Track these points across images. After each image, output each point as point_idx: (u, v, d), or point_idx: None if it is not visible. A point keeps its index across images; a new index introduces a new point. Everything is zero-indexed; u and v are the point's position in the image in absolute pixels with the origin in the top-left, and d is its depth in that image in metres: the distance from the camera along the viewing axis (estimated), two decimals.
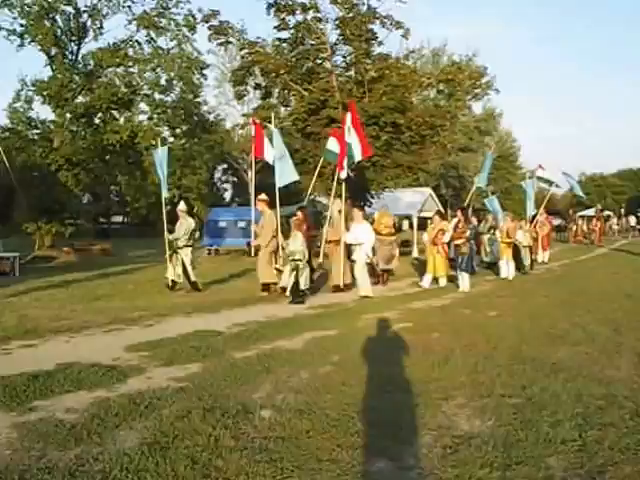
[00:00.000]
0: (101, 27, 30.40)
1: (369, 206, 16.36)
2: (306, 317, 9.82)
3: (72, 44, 30.45)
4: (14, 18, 29.04)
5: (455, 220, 14.36)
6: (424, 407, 5.04)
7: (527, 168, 45.75)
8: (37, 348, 7.52)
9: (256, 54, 15.25)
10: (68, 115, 29.42)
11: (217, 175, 65.35)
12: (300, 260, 11.29)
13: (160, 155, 14.83)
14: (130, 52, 30.73)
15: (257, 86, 16.83)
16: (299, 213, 12.44)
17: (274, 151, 13.54)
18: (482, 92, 17.13)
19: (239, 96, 17.27)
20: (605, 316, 9.61)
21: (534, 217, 21.19)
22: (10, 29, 29.06)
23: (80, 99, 29.92)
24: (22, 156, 31.15)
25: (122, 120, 31.25)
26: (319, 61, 16.12)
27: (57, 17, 29.47)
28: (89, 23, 30.24)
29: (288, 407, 4.99)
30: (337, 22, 15.30)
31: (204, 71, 32.45)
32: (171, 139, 31.94)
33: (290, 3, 15.12)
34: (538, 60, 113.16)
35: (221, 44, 16.48)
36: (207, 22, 15.76)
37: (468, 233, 13.85)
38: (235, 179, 66.32)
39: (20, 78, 31.79)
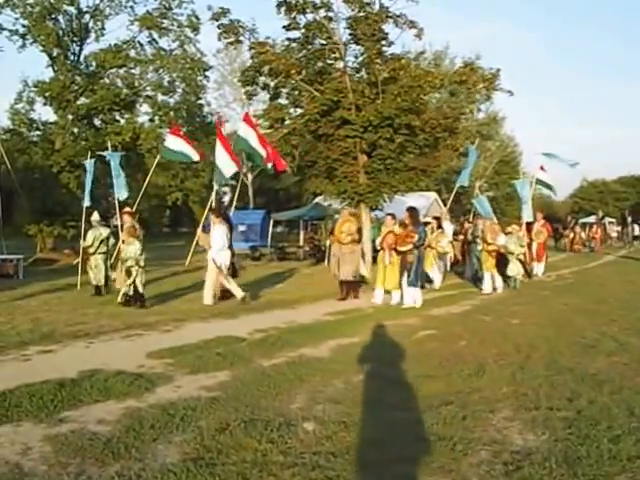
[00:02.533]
0: (103, 28, 30.22)
1: (381, 209, 16.13)
2: (326, 323, 9.60)
3: (74, 45, 30.26)
4: (16, 18, 28.83)
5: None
6: (472, 420, 4.82)
7: (529, 172, 45.50)
8: (56, 354, 7.32)
9: (266, 54, 15.02)
10: (70, 116, 29.17)
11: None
12: (132, 266, 11.36)
13: (116, 160, 15.10)
14: (132, 53, 30.56)
15: (265, 86, 16.60)
16: (127, 219, 12.59)
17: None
18: (486, 94, 16.86)
19: (249, 96, 17.00)
20: (632, 326, 9.37)
21: (530, 224, 18.36)
22: (12, 29, 28.83)
23: (82, 100, 29.69)
24: (24, 158, 30.91)
25: (123, 122, 30.99)
26: (330, 61, 15.91)
27: (59, 17, 29.28)
28: (91, 24, 30.04)
29: (331, 419, 4.77)
30: (349, 21, 15.09)
31: (206, 73, 32.19)
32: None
33: (301, 1, 14.92)
34: (540, 63, 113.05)
35: (231, 43, 16.22)
36: (217, 20, 15.50)
37: (416, 238, 11.46)
38: (234, 182, 66.14)
39: (22, 79, 31.57)
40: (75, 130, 29.94)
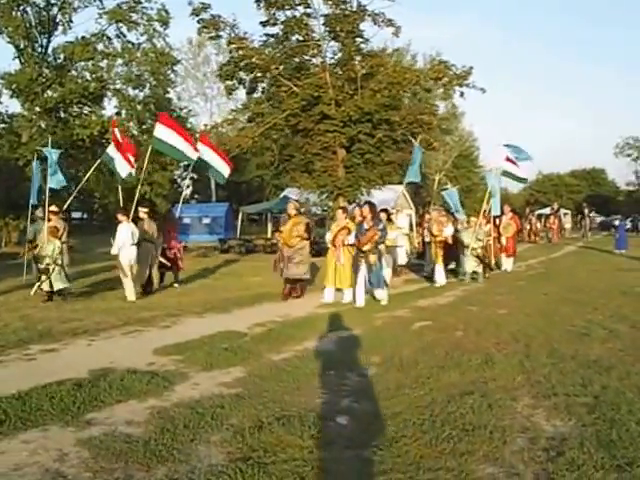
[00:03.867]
0: (70, 20, 29.74)
1: (357, 203, 16.23)
2: (320, 317, 9.60)
3: (42, 37, 29.61)
4: None
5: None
6: (497, 408, 4.94)
7: (489, 166, 46.12)
8: (60, 353, 7.21)
9: (245, 49, 14.96)
10: (38, 109, 28.57)
11: (177, 172, 64.40)
12: (49, 264, 11.58)
13: (54, 156, 14.75)
14: (100, 47, 30.11)
15: (241, 81, 16.52)
16: (53, 218, 12.57)
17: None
18: (460, 91, 17.06)
19: (229, 91, 16.89)
20: (614, 313, 9.65)
21: (497, 217, 17.56)
22: None
23: (50, 93, 29.12)
24: None
25: (92, 115, 30.51)
26: (308, 57, 15.93)
27: (28, 9, 28.59)
28: (59, 16, 29.43)
29: (362, 413, 4.83)
30: (327, 19, 15.13)
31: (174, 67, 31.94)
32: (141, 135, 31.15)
33: None
34: (495, 56, 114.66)
35: (212, 38, 16.12)
36: (197, 15, 15.37)
37: (379, 236, 10.58)
38: (195, 175, 65.53)
39: None
40: (42, 123, 29.31)
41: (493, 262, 16.28)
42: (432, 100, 19.25)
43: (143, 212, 13.07)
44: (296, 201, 13.67)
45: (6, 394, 5.23)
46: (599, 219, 42.65)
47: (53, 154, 14.85)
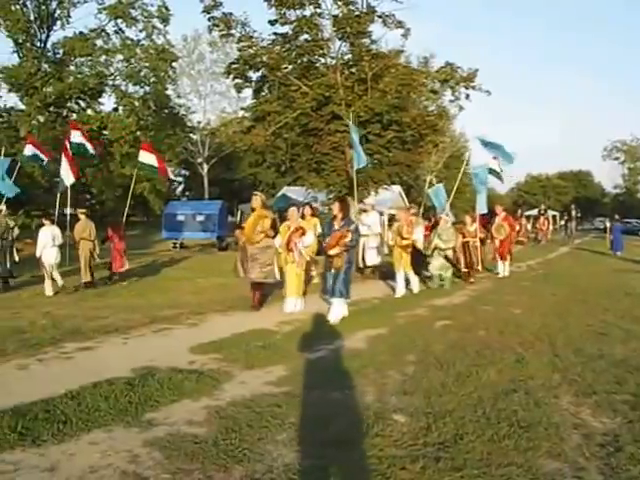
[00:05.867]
0: (68, 15, 29.64)
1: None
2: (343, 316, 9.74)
3: (41, 32, 29.49)
4: None
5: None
6: (544, 406, 5.11)
7: (486, 163, 45.86)
8: (96, 351, 7.31)
9: (256, 47, 15.13)
10: (37, 104, 28.44)
11: (170, 168, 64.36)
12: None
13: (4, 165, 16.41)
14: (99, 42, 30.06)
15: (247, 80, 16.65)
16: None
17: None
18: (466, 93, 17.21)
19: (239, 89, 17.03)
20: (625, 314, 9.83)
21: (485, 216, 16.59)
22: None
23: (49, 88, 29.01)
24: None
25: (90, 111, 30.43)
26: (318, 57, 16.06)
27: (27, 3, 28.48)
28: (58, 11, 29.34)
29: (415, 411, 4.98)
30: (337, 19, 15.26)
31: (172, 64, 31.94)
32: (138, 132, 31.13)
33: None
34: (488, 60, 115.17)
35: (223, 36, 16.23)
36: (208, 13, 15.49)
37: (349, 239, 9.25)
38: (187, 172, 65.47)
39: None
40: (41, 118, 29.20)
41: (480, 265, 15.27)
42: (430, 102, 19.32)
43: (81, 212, 14.37)
44: (309, 204, 13.60)
45: (57, 394, 5.34)
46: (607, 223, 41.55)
47: (3, 164, 16.23)
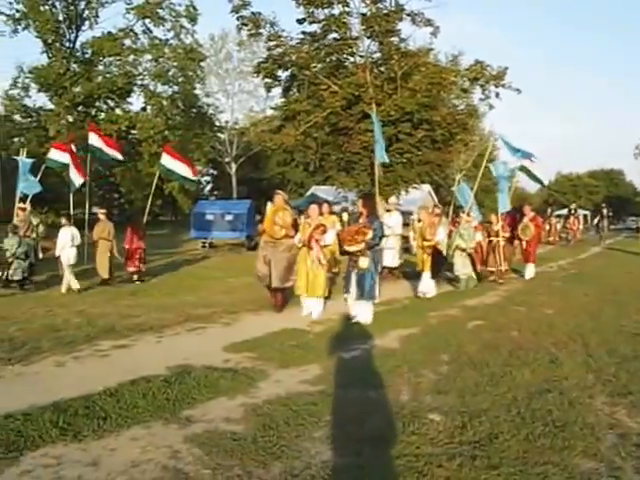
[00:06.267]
0: (96, 15, 30.05)
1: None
2: (375, 315, 9.67)
3: (69, 32, 29.95)
4: (10, 3, 28.46)
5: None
6: (579, 406, 5.12)
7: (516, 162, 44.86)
8: (131, 349, 7.42)
9: (285, 46, 15.26)
10: (66, 103, 28.89)
11: (197, 167, 64.83)
12: (9, 257, 12.89)
13: (26, 166, 16.51)
14: (127, 42, 30.40)
15: (276, 79, 16.76)
16: (20, 214, 14.42)
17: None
18: (496, 92, 17.06)
19: (268, 88, 17.15)
20: None
21: (510, 214, 16.03)
22: (9, 14, 28.47)
23: (78, 88, 29.44)
24: (16, 144, 30.58)
25: (118, 110, 30.82)
26: (346, 56, 16.11)
27: (56, 3, 28.95)
28: (86, 12, 29.78)
29: (450, 410, 5.00)
30: (365, 17, 15.29)
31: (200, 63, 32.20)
32: (167, 131, 31.43)
33: None
34: (517, 59, 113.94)
35: (251, 35, 16.36)
36: (237, 12, 15.63)
37: (370, 235, 8.68)
38: (215, 172, 65.90)
39: (17, 65, 31.25)
40: (70, 118, 29.65)
41: (504, 266, 14.73)
42: (459, 100, 19.21)
43: (100, 213, 14.75)
44: (327, 201, 13.59)
45: (95, 391, 5.45)
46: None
47: (26, 164, 16.37)
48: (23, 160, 16.65)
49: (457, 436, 4.43)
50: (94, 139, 16.95)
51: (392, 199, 14.90)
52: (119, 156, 18.05)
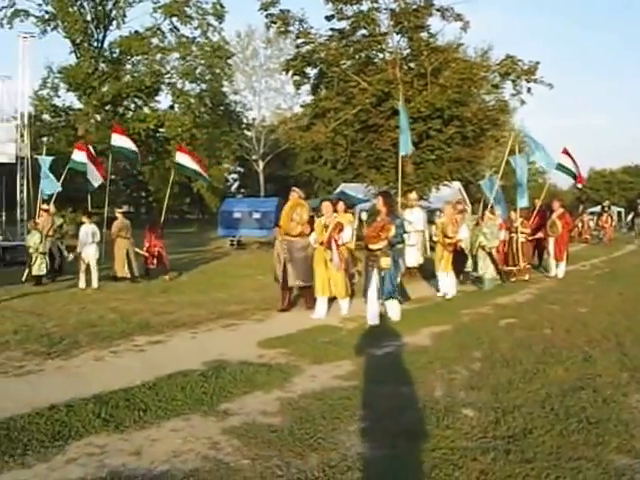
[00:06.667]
0: (124, 15, 30.42)
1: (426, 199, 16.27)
2: (407, 312, 9.72)
3: (97, 32, 30.38)
4: (39, 4, 28.93)
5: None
6: (613, 403, 5.12)
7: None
8: (167, 344, 7.58)
9: (314, 44, 15.36)
10: (94, 103, 29.32)
11: (224, 165, 65.18)
12: (33, 253, 13.51)
13: (46, 164, 16.76)
14: (155, 41, 30.74)
15: (304, 75, 16.85)
16: (43, 214, 14.89)
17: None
18: (528, 87, 16.88)
19: (297, 86, 17.26)
20: None
21: (541, 211, 15.78)
22: (38, 16, 28.93)
23: (106, 87, 29.86)
24: (46, 143, 31.08)
25: (146, 109, 31.18)
26: (375, 52, 16.14)
27: (85, 4, 29.39)
28: (114, 11, 30.17)
29: (483, 405, 5.03)
30: (394, 13, 15.28)
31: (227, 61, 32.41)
32: (194, 129, 31.69)
33: None
34: (546, 53, 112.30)
35: (280, 33, 16.50)
36: (266, 10, 15.76)
37: (393, 232, 8.57)
38: (242, 169, 66.23)
39: (46, 65, 31.74)
40: (98, 117, 30.07)
41: (523, 263, 14.26)
42: (490, 95, 19.01)
43: (118, 212, 15.44)
44: (341, 199, 13.41)
45: (134, 384, 5.60)
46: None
47: (46, 162, 16.68)
48: (43, 158, 17.08)
49: (491, 431, 4.47)
50: (117, 139, 17.33)
51: (412, 195, 14.71)
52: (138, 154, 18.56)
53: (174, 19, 31.24)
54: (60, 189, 16.58)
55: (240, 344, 7.43)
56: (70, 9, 29.40)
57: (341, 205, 12.34)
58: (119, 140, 17.32)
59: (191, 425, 4.68)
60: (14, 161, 20.33)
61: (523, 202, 14.52)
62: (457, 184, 29.40)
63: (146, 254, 15.17)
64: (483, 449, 4.12)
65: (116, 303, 10.78)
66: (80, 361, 6.72)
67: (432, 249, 14.88)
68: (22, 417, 4.71)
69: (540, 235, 15.46)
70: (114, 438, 4.41)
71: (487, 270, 12.60)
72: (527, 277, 14.18)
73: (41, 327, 8.47)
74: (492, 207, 13.77)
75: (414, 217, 14.12)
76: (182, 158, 16.74)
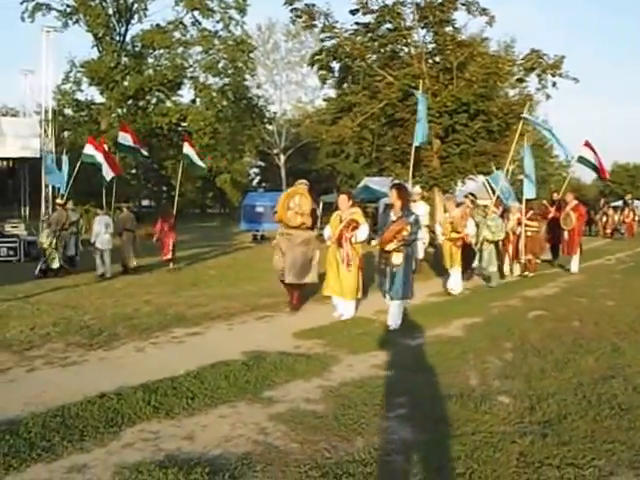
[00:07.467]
0: (146, 9, 30.61)
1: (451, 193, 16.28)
2: (436, 305, 9.94)
3: (119, 25, 30.63)
4: None
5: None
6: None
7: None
8: (204, 336, 7.79)
9: (339, 38, 15.48)
10: (117, 97, 29.57)
11: (246, 159, 65.38)
12: (46, 248, 14.06)
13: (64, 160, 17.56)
14: (176, 35, 30.92)
15: (329, 70, 16.98)
16: (58, 209, 15.34)
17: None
18: (553, 81, 16.80)
19: (323, 80, 17.37)
20: None
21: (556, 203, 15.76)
22: (60, 9, 29.24)
23: (128, 81, 30.10)
24: (70, 138, 31.42)
25: (169, 103, 31.39)
26: (401, 46, 16.20)
27: None
28: (136, 5, 30.39)
29: (517, 393, 5.22)
30: (419, 7, 15.33)
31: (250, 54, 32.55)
32: (217, 123, 31.86)
33: None
34: (566, 45, 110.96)
35: (306, 27, 16.60)
36: (290, 4, 15.85)
37: (408, 231, 7.94)
38: (263, 163, 66.39)
39: (69, 59, 31.98)
40: (121, 111, 30.34)
41: (529, 257, 14.03)
42: (514, 90, 18.95)
43: (125, 206, 16.34)
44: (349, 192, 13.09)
45: (178, 374, 5.79)
46: None
47: (49, 157, 17.50)
48: (64, 159, 17.65)
49: (527, 416, 4.68)
50: (122, 137, 17.61)
51: (416, 189, 14.44)
52: (145, 152, 19.28)
53: (196, 12, 31.41)
54: (62, 182, 17.14)
55: (276, 335, 7.65)
56: (92, 3, 29.65)
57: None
58: (123, 139, 17.65)
59: (238, 412, 4.88)
60: (38, 155, 20.56)
61: (530, 193, 14.27)
62: (481, 178, 29.29)
63: (154, 239, 16.13)
64: (521, 433, 4.31)
65: (149, 296, 11.00)
66: (122, 352, 6.95)
67: (431, 244, 15.04)
68: (75, 405, 4.93)
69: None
70: (165, 424, 4.62)
71: (490, 264, 12.36)
72: (527, 273, 13.97)
73: (79, 320, 8.70)
74: (497, 200, 13.78)
75: (419, 212, 13.70)
76: (188, 149, 17.17)
